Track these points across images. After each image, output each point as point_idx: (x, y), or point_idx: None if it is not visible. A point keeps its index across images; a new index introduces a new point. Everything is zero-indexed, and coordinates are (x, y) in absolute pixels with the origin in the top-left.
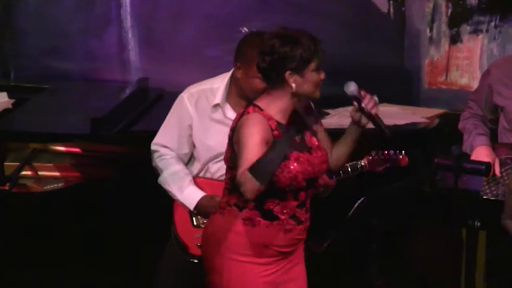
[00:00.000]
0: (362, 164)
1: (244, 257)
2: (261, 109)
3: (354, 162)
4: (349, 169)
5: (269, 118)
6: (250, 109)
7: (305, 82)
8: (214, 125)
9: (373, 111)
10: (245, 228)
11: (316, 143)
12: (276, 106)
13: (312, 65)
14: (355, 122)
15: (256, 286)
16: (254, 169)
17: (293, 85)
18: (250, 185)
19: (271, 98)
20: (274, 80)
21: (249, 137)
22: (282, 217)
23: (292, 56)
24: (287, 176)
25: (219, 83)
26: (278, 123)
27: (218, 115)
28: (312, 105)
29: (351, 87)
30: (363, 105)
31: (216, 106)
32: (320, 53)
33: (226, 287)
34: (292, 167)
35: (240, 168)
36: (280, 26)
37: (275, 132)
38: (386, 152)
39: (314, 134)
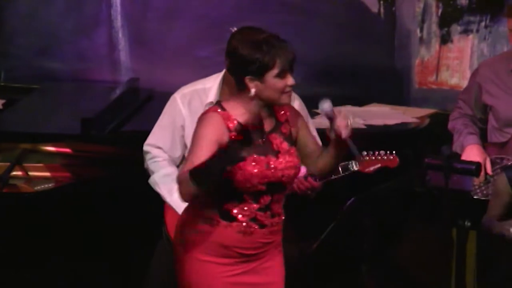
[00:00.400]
0: (353, 165)
1: (206, 256)
2: (223, 109)
3: (345, 163)
4: (340, 169)
5: (229, 119)
6: (212, 108)
7: (266, 88)
8: None
9: (344, 133)
10: (206, 228)
11: (287, 148)
12: (240, 108)
13: (274, 71)
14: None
15: (217, 286)
16: (193, 172)
17: (253, 90)
18: (186, 187)
19: (237, 100)
20: (237, 83)
21: (199, 138)
22: (241, 219)
23: (251, 60)
24: (241, 178)
25: (212, 83)
26: (240, 125)
27: None
28: (302, 107)
29: (325, 105)
30: (334, 125)
31: (210, 104)
32: (284, 58)
33: (188, 286)
34: (246, 169)
35: (182, 167)
36: (248, 26)
37: (231, 134)
38: (377, 153)
39: (289, 139)
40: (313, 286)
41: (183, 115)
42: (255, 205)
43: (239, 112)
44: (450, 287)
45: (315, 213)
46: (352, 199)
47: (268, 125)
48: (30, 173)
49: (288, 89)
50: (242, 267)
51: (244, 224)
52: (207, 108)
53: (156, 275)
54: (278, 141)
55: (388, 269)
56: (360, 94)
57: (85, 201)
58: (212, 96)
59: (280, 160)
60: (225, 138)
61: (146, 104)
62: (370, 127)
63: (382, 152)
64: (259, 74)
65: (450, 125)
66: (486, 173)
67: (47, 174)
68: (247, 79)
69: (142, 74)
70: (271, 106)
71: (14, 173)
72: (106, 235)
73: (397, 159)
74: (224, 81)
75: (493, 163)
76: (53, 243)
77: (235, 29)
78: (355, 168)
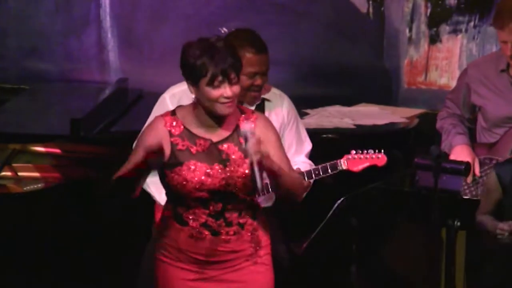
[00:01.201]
0: (342, 163)
1: (166, 258)
2: (174, 114)
3: (333, 162)
4: (328, 168)
5: (176, 124)
6: (165, 113)
7: (201, 95)
8: None
9: (254, 157)
10: (164, 230)
11: (239, 158)
12: (190, 114)
13: (204, 80)
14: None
15: (177, 286)
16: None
17: (193, 96)
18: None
19: (191, 105)
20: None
21: (137, 140)
22: (192, 224)
23: (186, 64)
24: (176, 183)
25: None
26: (186, 130)
27: None
28: (291, 107)
29: (248, 126)
30: (246, 146)
31: None
32: (216, 67)
33: (156, 286)
34: (181, 175)
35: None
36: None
37: (173, 139)
38: (365, 152)
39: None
40: (303, 286)
41: None
42: (205, 211)
43: (188, 118)
44: (440, 287)
45: (304, 213)
46: (341, 199)
47: (221, 133)
48: (20, 174)
49: (224, 100)
50: (202, 273)
51: (195, 229)
52: None
53: (146, 275)
54: (231, 150)
55: (378, 269)
56: (349, 94)
57: (75, 202)
58: None
59: (227, 169)
60: (165, 142)
61: (135, 104)
62: (359, 127)
63: (370, 151)
64: (194, 80)
65: (438, 125)
66: (474, 174)
67: (37, 174)
68: (188, 84)
69: (131, 74)
70: (232, 115)
71: (3, 173)
72: (96, 236)
73: (385, 158)
74: None
75: (482, 164)
76: (42, 243)
77: (224, 29)
78: (343, 167)
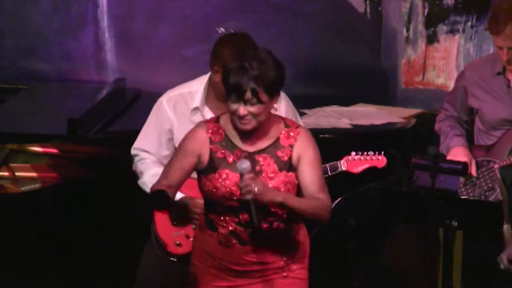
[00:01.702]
0: (342, 164)
1: (199, 262)
2: (217, 121)
3: (334, 163)
4: (328, 169)
5: (217, 132)
6: (207, 120)
7: (227, 104)
8: None
9: (245, 197)
10: (197, 234)
11: (274, 171)
12: (230, 121)
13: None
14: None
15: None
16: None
17: (206, 110)
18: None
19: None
20: None
21: (177, 149)
22: (221, 230)
23: (223, 72)
24: (207, 190)
25: (198, 86)
26: (227, 138)
27: (197, 118)
28: (289, 106)
29: (243, 165)
30: (241, 183)
31: (195, 109)
32: (233, 86)
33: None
34: (212, 182)
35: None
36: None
37: (213, 146)
38: (365, 153)
39: (284, 164)
40: None
41: (170, 118)
42: (235, 219)
43: (230, 126)
44: (437, 287)
45: None
46: (339, 199)
47: (259, 144)
48: (17, 174)
49: (242, 119)
50: (231, 281)
51: (224, 236)
52: (193, 113)
53: (145, 274)
54: (266, 162)
55: (375, 269)
56: (346, 94)
57: (72, 202)
58: (198, 100)
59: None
60: (206, 149)
61: (132, 104)
62: (356, 127)
63: (370, 152)
64: (223, 85)
65: (436, 127)
66: (470, 175)
67: (34, 174)
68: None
69: (129, 74)
70: (274, 127)
71: (0, 173)
72: (94, 236)
73: (385, 160)
74: (209, 84)
75: (479, 166)
76: (40, 243)
77: (222, 29)
78: (343, 168)
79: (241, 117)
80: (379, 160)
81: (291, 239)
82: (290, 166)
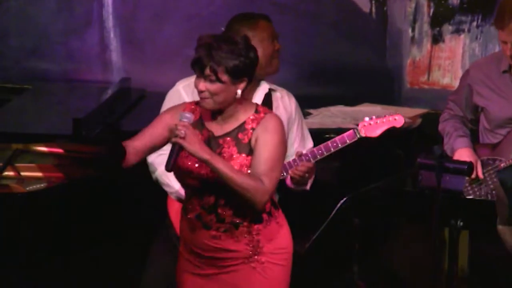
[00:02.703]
0: (359, 131)
1: (181, 247)
2: (198, 103)
3: (349, 132)
4: (346, 139)
5: (194, 112)
6: (193, 100)
7: None
8: None
9: (173, 139)
10: (180, 220)
11: (233, 153)
12: None
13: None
14: None
15: (181, 277)
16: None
17: None
18: None
19: None
20: None
21: (155, 119)
22: (189, 214)
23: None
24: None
25: None
26: (200, 119)
27: None
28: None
29: (185, 114)
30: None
31: None
32: (195, 58)
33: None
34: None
35: None
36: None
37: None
38: (380, 116)
39: (244, 146)
40: (305, 285)
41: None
42: (200, 202)
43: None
44: (442, 287)
45: (307, 213)
46: (344, 198)
47: (226, 127)
48: (22, 174)
49: (198, 92)
50: (200, 269)
51: (191, 220)
52: None
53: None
54: (227, 144)
55: (380, 269)
56: (351, 94)
57: (78, 202)
58: None
59: None
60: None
61: (137, 104)
62: None
63: (385, 114)
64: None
65: (440, 127)
66: (477, 176)
67: (39, 174)
68: None
69: (134, 74)
70: (243, 112)
71: (5, 173)
72: (99, 236)
73: (403, 118)
74: None
75: (485, 165)
76: (45, 243)
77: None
78: (362, 135)
79: (200, 92)
80: (397, 120)
81: (260, 229)
82: (250, 150)
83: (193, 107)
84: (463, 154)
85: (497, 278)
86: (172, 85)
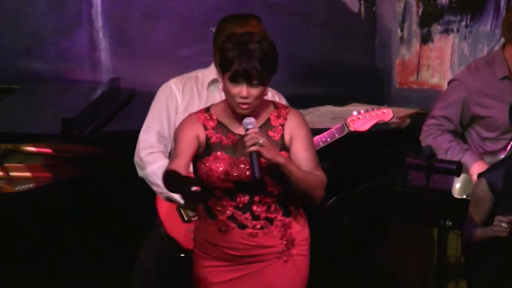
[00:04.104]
0: (348, 125)
1: (201, 252)
2: (208, 111)
3: (338, 126)
4: (335, 133)
5: (207, 118)
6: (198, 110)
7: (224, 87)
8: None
9: (250, 149)
10: (198, 223)
11: None
12: (223, 107)
13: (228, 74)
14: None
15: (206, 282)
16: (166, 179)
17: (221, 85)
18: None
19: (224, 99)
20: None
21: (176, 137)
22: (220, 216)
23: (220, 53)
24: (202, 172)
25: (202, 72)
26: (220, 123)
27: (217, 92)
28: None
29: (248, 120)
30: (246, 137)
31: (214, 82)
32: (240, 65)
33: (193, 277)
34: (206, 165)
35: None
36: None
37: (208, 132)
38: (369, 110)
39: (276, 144)
40: None
41: (177, 100)
42: (231, 203)
43: (221, 112)
44: (432, 286)
45: None
46: (334, 198)
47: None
48: (11, 174)
49: (239, 99)
50: (234, 272)
51: (222, 221)
52: (213, 87)
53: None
54: None
55: (370, 268)
56: (341, 93)
57: (66, 201)
58: (214, 74)
59: None
60: (202, 135)
61: (127, 104)
62: None
63: (373, 108)
64: (221, 70)
65: (431, 142)
66: None
67: (28, 174)
68: (218, 71)
69: (123, 74)
70: (264, 109)
71: None
72: (87, 235)
73: (391, 112)
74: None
75: None
76: (34, 243)
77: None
78: (351, 129)
79: (243, 99)
80: (385, 113)
81: (291, 222)
82: (282, 145)
83: (206, 115)
84: (481, 167)
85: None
86: (162, 84)
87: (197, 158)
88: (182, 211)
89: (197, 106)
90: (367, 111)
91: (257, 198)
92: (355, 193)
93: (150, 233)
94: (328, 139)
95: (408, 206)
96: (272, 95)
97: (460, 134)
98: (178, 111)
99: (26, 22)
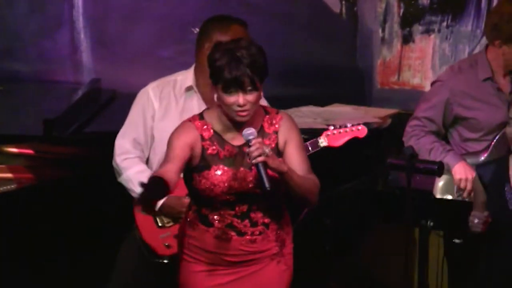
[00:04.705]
0: (322, 140)
1: (191, 258)
2: (202, 118)
3: (313, 140)
4: (309, 147)
5: (206, 128)
6: (191, 117)
7: (219, 98)
8: (183, 113)
9: (256, 160)
10: (190, 231)
11: None
12: (217, 116)
13: (220, 84)
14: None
15: (200, 286)
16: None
17: (215, 96)
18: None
19: (216, 107)
20: None
21: (170, 143)
22: (218, 225)
23: (209, 64)
24: (204, 187)
25: (182, 75)
26: (216, 134)
27: (191, 99)
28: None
29: (249, 131)
30: (249, 149)
31: (189, 89)
32: (230, 74)
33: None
34: (209, 179)
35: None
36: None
37: (204, 143)
38: (344, 126)
39: (273, 151)
40: None
41: (154, 107)
42: (231, 212)
43: (216, 121)
44: (413, 286)
45: None
46: None
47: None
48: None
49: (237, 108)
50: (230, 274)
51: (220, 229)
52: (187, 94)
53: (120, 276)
54: None
55: (351, 269)
56: (322, 94)
57: (48, 202)
58: (190, 81)
59: (252, 172)
60: (198, 146)
61: (108, 105)
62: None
63: (348, 124)
64: (213, 81)
65: (414, 143)
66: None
67: (9, 175)
68: (212, 82)
69: (105, 74)
70: (256, 116)
71: None
72: (69, 236)
73: (365, 129)
74: (199, 66)
75: None
76: (15, 244)
77: (197, 30)
78: (325, 144)
79: (240, 107)
80: (360, 130)
81: (282, 224)
82: (278, 152)
83: (200, 123)
84: (464, 168)
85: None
86: (143, 85)
87: (194, 170)
88: (156, 217)
89: (173, 112)
90: (341, 127)
91: (255, 206)
92: (336, 194)
93: (129, 234)
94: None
95: (389, 206)
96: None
97: (443, 135)
98: (155, 118)
99: (6, 23)
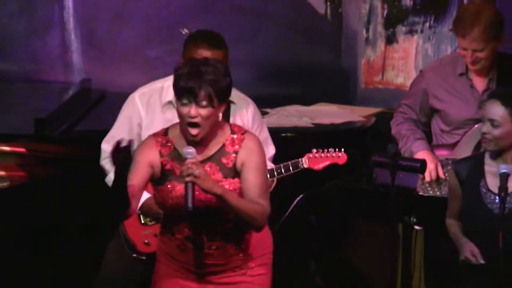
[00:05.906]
0: (303, 162)
1: (162, 261)
2: (166, 134)
3: (295, 161)
4: (290, 167)
5: (166, 144)
6: (157, 132)
7: (177, 112)
8: (166, 123)
9: (186, 179)
10: (160, 236)
11: (218, 179)
12: (179, 132)
13: (176, 96)
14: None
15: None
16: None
17: (176, 109)
18: None
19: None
20: None
21: (134, 161)
22: (177, 235)
23: (174, 74)
24: (158, 200)
25: (170, 81)
26: (175, 151)
27: (170, 112)
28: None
29: (188, 149)
30: (183, 167)
31: (169, 103)
32: (183, 85)
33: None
34: (161, 194)
35: None
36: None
37: (162, 159)
38: (326, 150)
39: (229, 170)
40: None
41: (140, 114)
42: (186, 224)
43: (178, 138)
44: (397, 283)
45: None
46: (300, 196)
47: (205, 152)
48: None
49: (188, 119)
50: (190, 281)
51: (180, 240)
52: (165, 107)
53: (107, 272)
54: (211, 171)
55: (336, 266)
56: (307, 93)
57: (39, 200)
58: (170, 95)
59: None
60: (156, 162)
61: (98, 105)
62: (317, 126)
63: (331, 149)
64: (174, 92)
65: (394, 130)
66: (439, 177)
67: (2, 173)
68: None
69: (94, 75)
70: (221, 133)
71: None
72: (60, 234)
73: (345, 156)
74: None
75: (445, 165)
76: (7, 241)
77: (185, 30)
78: (305, 166)
79: (192, 119)
80: (340, 157)
81: (246, 238)
82: (235, 172)
83: (163, 139)
84: (424, 156)
85: (452, 275)
86: (132, 85)
87: (154, 182)
88: (140, 214)
89: (157, 122)
90: (323, 151)
91: (212, 221)
92: (321, 191)
93: (117, 230)
94: (283, 171)
95: (373, 203)
96: (240, 105)
97: (423, 123)
98: (143, 126)
99: None
